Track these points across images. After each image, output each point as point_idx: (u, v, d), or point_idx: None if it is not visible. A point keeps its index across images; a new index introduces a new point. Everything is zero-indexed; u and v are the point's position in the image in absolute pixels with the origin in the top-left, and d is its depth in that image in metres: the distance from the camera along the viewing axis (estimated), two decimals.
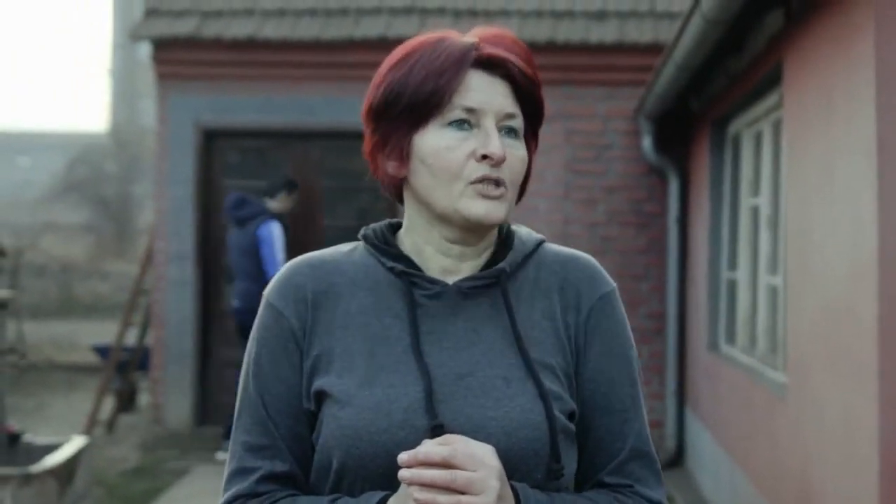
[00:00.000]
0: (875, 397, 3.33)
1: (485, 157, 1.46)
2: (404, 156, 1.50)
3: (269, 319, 1.53)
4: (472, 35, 1.52)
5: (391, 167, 1.52)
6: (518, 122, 1.50)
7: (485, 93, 1.48)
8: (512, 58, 1.49)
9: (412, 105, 1.48)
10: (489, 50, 1.49)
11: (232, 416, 1.60)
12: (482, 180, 1.46)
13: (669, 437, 8.00)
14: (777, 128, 5.43)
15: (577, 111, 8.19)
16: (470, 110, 1.47)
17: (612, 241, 8.17)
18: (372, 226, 1.60)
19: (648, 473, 1.54)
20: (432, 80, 1.47)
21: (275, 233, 7.40)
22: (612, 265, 8.13)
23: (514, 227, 1.61)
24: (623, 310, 1.59)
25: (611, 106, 8.19)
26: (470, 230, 1.51)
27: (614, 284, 1.59)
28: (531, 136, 1.55)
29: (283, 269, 1.57)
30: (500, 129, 1.49)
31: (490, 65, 1.49)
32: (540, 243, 1.59)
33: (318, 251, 1.59)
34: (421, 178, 1.50)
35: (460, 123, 1.47)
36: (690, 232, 7.85)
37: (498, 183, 1.47)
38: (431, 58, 1.48)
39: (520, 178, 1.51)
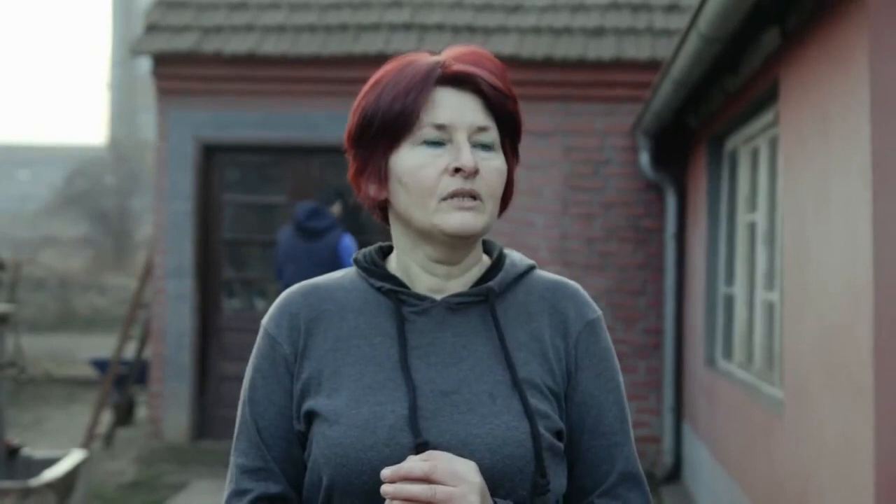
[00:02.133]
0: (871, 414, 3.35)
1: (457, 170, 1.48)
2: (382, 178, 1.53)
3: (265, 347, 1.57)
4: (443, 55, 1.55)
5: (372, 190, 1.56)
6: (492, 135, 1.52)
7: (454, 108, 1.50)
8: (480, 72, 1.52)
9: (384, 127, 1.51)
10: (456, 66, 1.51)
11: None
12: (456, 195, 1.48)
13: (667, 453, 8.00)
14: (773, 144, 5.46)
15: (575, 127, 8.22)
16: (440, 127, 1.50)
17: (610, 256, 8.19)
18: (362, 250, 1.64)
19: (637, 495, 1.57)
20: (400, 100, 1.49)
21: (353, 245, 7.33)
22: (610, 280, 8.16)
23: (505, 251, 1.63)
24: (608, 336, 1.62)
25: (608, 122, 8.23)
26: (451, 245, 1.53)
27: (600, 312, 1.62)
28: (510, 150, 1.57)
29: (279, 299, 1.60)
30: (473, 143, 1.50)
31: (458, 81, 1.51)
32: (531, 268, 1.62)
33: (312, 279, 1.63)
34: (399, 198, 1.53)
35: (433, 141, 1.50)
36: (688, 247, 7.88)
37: (473, 196, 1.49)
38: (398, 79, 1.51)
39: (498, 190, 1.53)
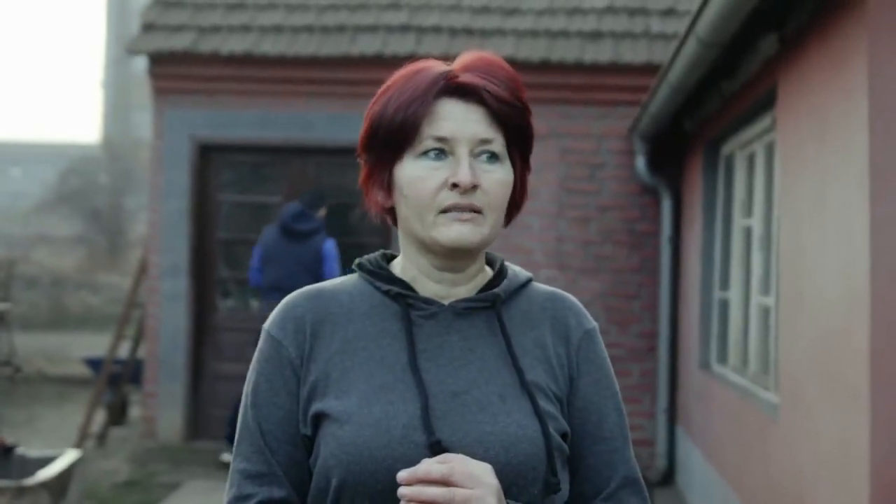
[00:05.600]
0: (867, 418, 3.36)
1: (455, 185, 1.49)
2: (387, 186, 1.55)
3: (269, 350, 1.57)
4: (455, 62, 1.56)
5: (380, 197, 1.57)
6: (497, 146, 1.52)
7: (456, 121, 1.51)
8: (487, 84, 1.52)
9: (388, 137, 1.52)
10: (462, 78, 1.52)
11: (233, 419, 1.63)
12: (452, 209, 1.50)
13: (660, 456, 8.02)
14: (770, 150, 5.48)
15: (571, 130, 8.24)
16: (441, 139, 1.50)
17: (605, 259, 8.21)
18: (366, 256, 1.65)
19: (638, 501, 1.59)
20: (402, 112, 1.50)
21: (335, 250, 7.33)
22: (605, 284, 8.17)
23: (506, 263, 1.65)
24: (604, 346, 1.65)
25: (605, 125, 8.24)
26: (451, 257, 1.54)
27: (595, 323, 1.66)
28: (520, 158, 1.57)
29: (282, 302, 1.60)
30: (477, 155, 1.51)
31: (463, 92, 1.52)
32: (529, 280, 1.65)
33: (315, 284, 1.64)
34: (402, 208, 1.54)
35: (434, 153, 1.51)
36: (683, 251, 7.89)
37: (473, 209, 1.50)
38: (403, 90, 1.52)
39: (500, 202, 1.53)
